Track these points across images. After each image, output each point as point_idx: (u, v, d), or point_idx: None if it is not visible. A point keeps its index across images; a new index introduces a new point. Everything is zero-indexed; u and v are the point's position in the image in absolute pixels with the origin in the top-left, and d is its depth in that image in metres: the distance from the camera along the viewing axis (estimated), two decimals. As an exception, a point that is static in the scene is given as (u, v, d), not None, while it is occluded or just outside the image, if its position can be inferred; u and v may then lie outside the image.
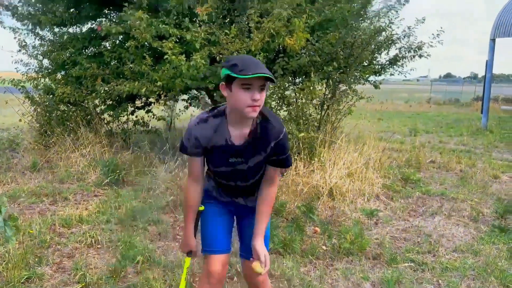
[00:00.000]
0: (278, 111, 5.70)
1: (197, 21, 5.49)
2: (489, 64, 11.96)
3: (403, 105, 21.99)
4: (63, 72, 6.88)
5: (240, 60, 1.67)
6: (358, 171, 5.33)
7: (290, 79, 6.28)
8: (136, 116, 7.26)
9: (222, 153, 1.85)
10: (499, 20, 11.72)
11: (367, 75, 6.80)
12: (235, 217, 2.15)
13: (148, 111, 7.44)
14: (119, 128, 7.13)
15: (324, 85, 6.06)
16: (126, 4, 5.38)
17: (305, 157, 5.29)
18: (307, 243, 3.57)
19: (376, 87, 7.26)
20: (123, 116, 6.94)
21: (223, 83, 1.72)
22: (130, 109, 7.01)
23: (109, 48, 6.44)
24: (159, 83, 5.27)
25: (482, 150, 8.50)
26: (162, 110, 7.45)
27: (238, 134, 1.81)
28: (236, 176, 1.95)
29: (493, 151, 8.41)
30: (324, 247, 3.51)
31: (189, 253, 2.11)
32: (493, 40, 11.90)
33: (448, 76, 63.59)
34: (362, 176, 5.24)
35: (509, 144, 9.23)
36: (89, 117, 6.64)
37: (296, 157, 5.06)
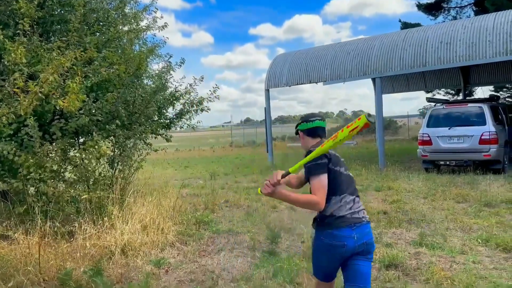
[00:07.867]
0: (61, 174, 5.45)
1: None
2: (267, 111, 14.04)
3: (208, 151, 23.51)
4: None
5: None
6: (152, 223, 5.49)
7: (74, 140, 6.13)
8: None
9: None
10: (269, 74, 14.00)
11: (157, 129, 7.16)
12: None
13: None
14: None
15: (111, 143, 6.11)
16: None
17: (95, 218, 5.16)
18: (93, 308, 3.48)
19: (167, 140, 7.69)
20: None
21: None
22: None
23: None
24: None
25: (268, 184, 9.78)
26: None
27: None
28: None
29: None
30: (110, 308, 3.48)
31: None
32: (267, 90, 14.09)
33: (247, 120, 71.48)
34: (156, 227, 5.41)
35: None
36: None
37: (82, 220, 4.89)
